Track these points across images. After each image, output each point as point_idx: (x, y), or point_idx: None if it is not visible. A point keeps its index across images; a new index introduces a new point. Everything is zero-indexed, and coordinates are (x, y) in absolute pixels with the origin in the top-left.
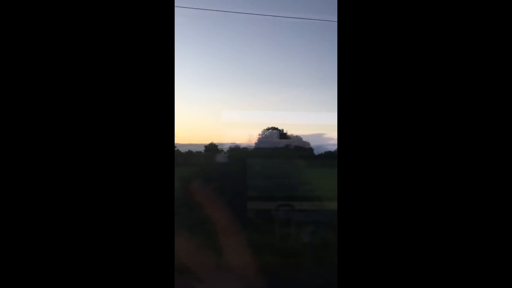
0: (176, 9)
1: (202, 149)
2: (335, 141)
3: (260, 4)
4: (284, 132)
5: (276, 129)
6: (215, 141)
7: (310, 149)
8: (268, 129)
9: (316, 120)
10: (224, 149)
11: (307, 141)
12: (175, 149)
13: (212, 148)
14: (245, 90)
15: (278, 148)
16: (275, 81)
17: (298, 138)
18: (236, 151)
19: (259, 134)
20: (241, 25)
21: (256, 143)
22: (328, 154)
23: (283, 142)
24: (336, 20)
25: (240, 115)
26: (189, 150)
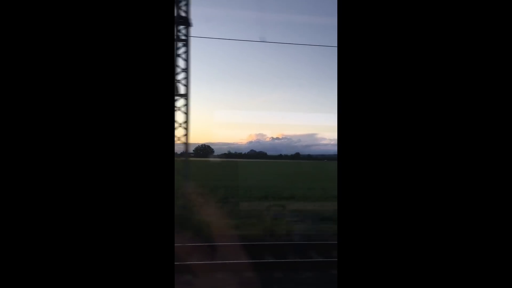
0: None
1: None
2: (327, 141)
3: (258, 5)
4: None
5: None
6: (207, 140)
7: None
8: None
9: (309, 121)
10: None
11: (299, 140)
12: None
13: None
14: (238, 90)
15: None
16: (269, 81)
17: (289, 138)
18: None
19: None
20: (237, 26)
21: (248, 143)
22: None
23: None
24: (334, 22)
25: (233, 115)
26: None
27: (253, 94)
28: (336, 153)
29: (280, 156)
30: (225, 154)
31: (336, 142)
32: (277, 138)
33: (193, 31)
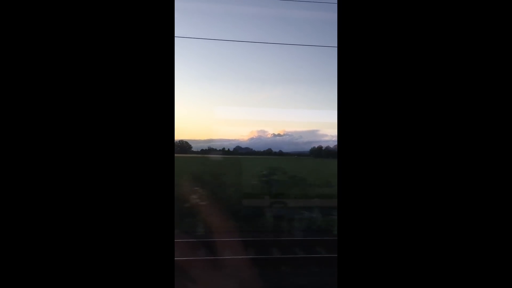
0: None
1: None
2: (329, 138)
3: (257, 2)
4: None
5: None
6: (209, 137)
7: None
8: None
9: (311, 117)
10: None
11: (301, 137)
12: None
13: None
14: (239, 86)
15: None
16: (269, 78)
17: (290, 135)
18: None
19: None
20: (236, 23)
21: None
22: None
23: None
24: (332, 19)
25: (235, 111)
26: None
27: (254, 91)
28: (308, 150)
29: (254, 152)
30: (202, 150)
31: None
32: (279, 135)
33: (194, 30)
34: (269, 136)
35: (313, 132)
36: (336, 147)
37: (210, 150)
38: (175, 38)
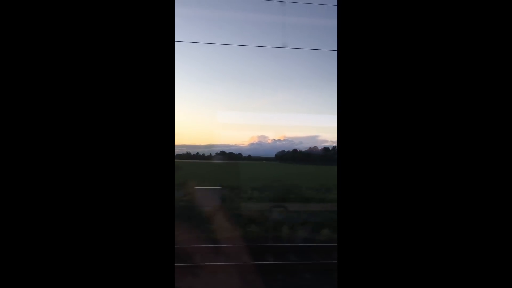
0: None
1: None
2: (329, 143)
3: (258, 6)
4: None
5: None
6: (209, 142)
7: None
8: None
9: (312, 122)
10: None
11: (301, 142)
12: None
13: None
14: (240, 92)
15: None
16: (270, 83)
17: (290, 140)
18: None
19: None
20: (237, 27)
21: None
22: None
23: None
24: (335, 23)
25: (236, 116)
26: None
27: (256, 96)
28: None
29: (237, 157)
30: (178, 155)
31: (337, 143)
32: (279, 140)
33: (195, 37)
34: (269, 141)
35: (313, 138)
36: (295, 151)
37: (190, 156)
38: (176, 42)
